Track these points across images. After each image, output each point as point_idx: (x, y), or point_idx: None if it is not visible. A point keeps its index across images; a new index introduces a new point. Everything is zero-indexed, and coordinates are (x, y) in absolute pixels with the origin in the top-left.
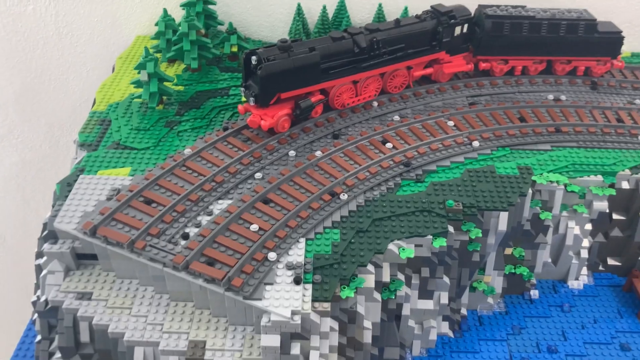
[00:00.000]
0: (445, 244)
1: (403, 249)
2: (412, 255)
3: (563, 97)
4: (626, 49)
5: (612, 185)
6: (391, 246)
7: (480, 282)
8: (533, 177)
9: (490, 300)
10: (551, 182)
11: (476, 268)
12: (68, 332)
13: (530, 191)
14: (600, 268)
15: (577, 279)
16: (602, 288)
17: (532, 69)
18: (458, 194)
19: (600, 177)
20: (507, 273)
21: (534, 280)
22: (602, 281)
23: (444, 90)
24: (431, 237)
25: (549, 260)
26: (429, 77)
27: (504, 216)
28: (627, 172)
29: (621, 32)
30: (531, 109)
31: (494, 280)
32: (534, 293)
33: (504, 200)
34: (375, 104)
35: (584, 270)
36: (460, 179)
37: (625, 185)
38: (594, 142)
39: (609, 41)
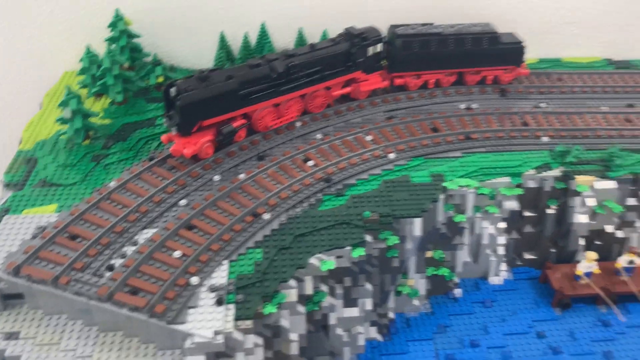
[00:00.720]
0: (364, 254)
1: (324, 262)
2: (333, 267)
3: (474, 106)
4: (534, 55)
5: (519, 185)
6: (312, 260)
7: (405, 285)
8: (444, 184)
9: (415, 302)
10: (461, 186)
11: (397, 273)
12: None
13: (443, 196)
14: (518, 263)
15: (497, 275)
16: (520, 282)
17: (444, 81)
18: (376, 204)
19: (508, 179)
20: (429, 275)
21: (456, 280)
22: (521, 275)
23: (363, 107)
24: (350, 247)
25: (469, 259)
26: (348, 96)
27: (417, 222)
28: (532, 171)
29: (522, 42)
30: (444, 119)
31: (418, 283)
32: (458, 292)
33: (417, 207)
34: (298, 124)
35: (503, 266)
36: (377, 190)
37: (531, 184)
38: (501, 146)
39: (511, 51)
